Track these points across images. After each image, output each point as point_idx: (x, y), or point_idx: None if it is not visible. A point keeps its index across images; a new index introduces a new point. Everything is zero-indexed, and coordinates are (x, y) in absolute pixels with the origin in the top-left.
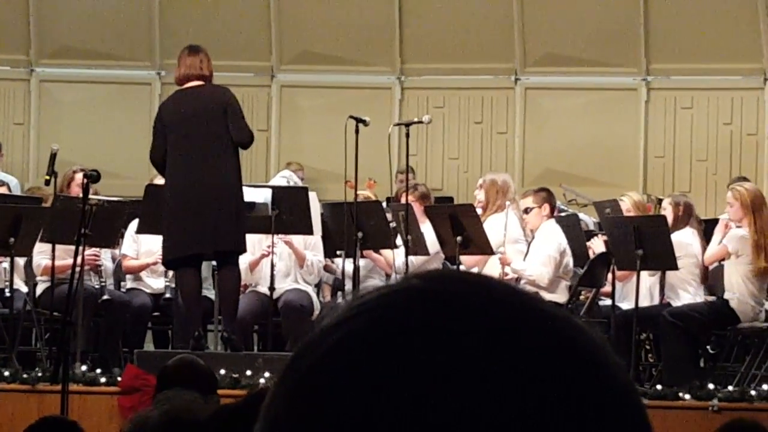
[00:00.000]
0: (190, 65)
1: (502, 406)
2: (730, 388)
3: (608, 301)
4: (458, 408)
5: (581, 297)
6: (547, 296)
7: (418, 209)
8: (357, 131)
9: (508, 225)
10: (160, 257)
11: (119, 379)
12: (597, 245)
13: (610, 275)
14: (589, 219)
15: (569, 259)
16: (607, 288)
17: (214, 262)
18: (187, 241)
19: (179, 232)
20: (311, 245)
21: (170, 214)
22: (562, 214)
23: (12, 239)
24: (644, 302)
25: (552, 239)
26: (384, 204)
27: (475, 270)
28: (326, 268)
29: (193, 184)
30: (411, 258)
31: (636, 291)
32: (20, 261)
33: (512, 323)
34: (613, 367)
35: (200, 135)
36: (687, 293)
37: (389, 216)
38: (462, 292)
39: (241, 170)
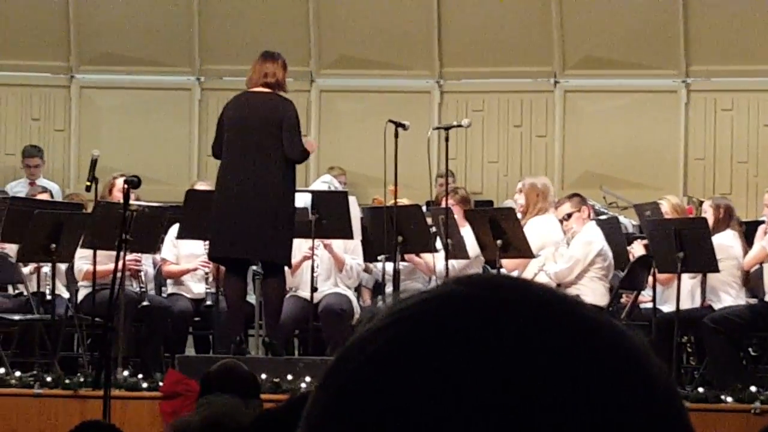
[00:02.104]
0: (262, 71)
1: (545, 411)
2: None
3: (649, 304)
4: (501, 414)
5: (622, 300)
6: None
7: (458, 213)
8: (396, 135)
9: (550, 228)
10: (200, 263)
11: (161, 384)
12: (637, 248)
13: (650, 278)
14: (629, 222)
15: (610, 262)
16: (647, 296)
17: (255, 267)
18: (232, 244)
19: (225, 233)
20: (351, 249)
21: (218, 213)
22: (602, 217)
23: (53, 245)
24: (685, 305)
25: (583, 240)
26: (424, 208)
27: (515, 274)
28: (366, 270)
29: (242, 189)
30: (452, 262)
31: (677, 294)
32: (62, 267)
33: (554, 328)
34: (655, 370)
35: (254, 141)
36: (728, 296)
37: (429, 220)
38: (503, 297)
39: (295, 181)
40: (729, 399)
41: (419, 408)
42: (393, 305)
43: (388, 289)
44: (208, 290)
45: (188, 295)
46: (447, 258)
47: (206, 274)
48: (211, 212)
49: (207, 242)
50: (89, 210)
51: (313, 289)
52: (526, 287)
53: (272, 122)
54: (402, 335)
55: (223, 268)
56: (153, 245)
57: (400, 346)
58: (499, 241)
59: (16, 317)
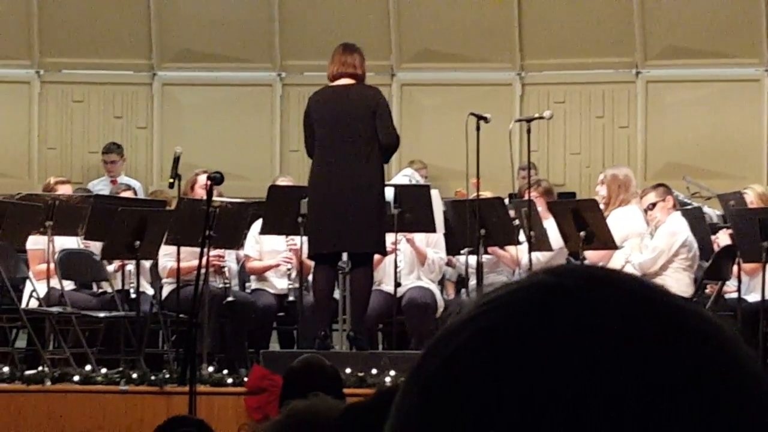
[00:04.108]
0: (344, 63)
1: (634, 400)
2: None
3: (734, 294)
4: (589, 403)
5: (707, 290)
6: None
7: (541, 205)
8: (478, 128)
9: (633, 219)
10: (283, 259)
11: (246, 379)
12: (722, 238)
13: (735, 268)
14: (713, 212)
15: (694, 253)
16: (732, 287)
17: (339, 262)
18: (329, 238)
19: (321, 228)
20: (433, 243)
21: (313, 210)
22: (686, 207)
23: (137, 242)
24: None
25: (667, 231)
26: (506, 201)
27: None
28: (448, 263)
29: (337, 183)
30: (536, 254)
31: (762, 283)
32: (146, 264)
33: (641, 316)
34: (747, 358)
35: (347, 134)
36: None
37: (512, 212)
38: (590, 286)
39: (384, 172)
40: None
41: (510, 398)
42: (480, 297)
43: (472, 282)
44: (290, 286)
45: (272, 291)
46: (530, 250)
47: (288, 270)
48: (308, 209)
49: (288, 237)
50: (172, 207)
51: (397, 284)
52: (615, 277)
53: (365, 112)
54: (492, 325)
55: (308, 262)
56: (236, 241)
57: (490, 336)
58: (582, 233)
59: (102, 315)
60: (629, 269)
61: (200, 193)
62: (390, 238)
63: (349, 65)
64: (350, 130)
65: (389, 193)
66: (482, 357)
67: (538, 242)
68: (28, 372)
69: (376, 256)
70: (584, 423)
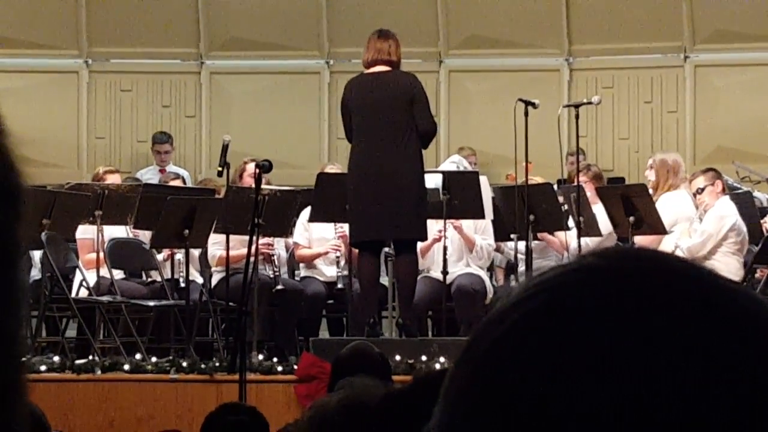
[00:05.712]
0: (379, 50)
1: (684, 382)
2: None
3: None
4: (639, 385)
5: (756, 274)
6: None
7: (590, 190)
8: (526, 114)
9: (683, 204)
10: (332, 247)
11: (296, 367)
12: None
13: None
14: (763, 196)
15: (744, 237)
16: None
17: (387, 249)
18: (370, 226)
19: (362, 216)
20: (481, 229)
21: (353, 198)
22: (736, 191)
23: (186, 231)
24: None
25: (716, 215)
26: (555, 186)
27: None
28: (497, 249)
29: (375, 170)
30: (585, 239)
31: None
32: (195, 252)
33: (691, 297)
34: None
35: (384, 121)
36: None
37: (561, 198)
38: (638, 268)
39: (423, 158)
40: None
41: (555, 381)
42: (528, 280)
43: (521, 268)
44: (339, 273)
45: (321, 279)
46: (579, 236)
47: (337, 257)
48: (348, 198)
49: (337, 225)
50: (221, 195)
51: (445, 272)
52: (662, 259)
53: (403, 99)
54: (541, 306)
55: (355, 250)
56: (285, 229)
57: (539, 317)
58: (631, 218)
59: (151, 303)
60: (678, 254)
61: (249, 181)
62: (438, 225)
63: (384, 52)
64: (386, 116)
65: (438, 180)
66: (531, 338)
67: (587, 227)
68: (78, 361)
69: (425, 243)
70: (633, 405)
